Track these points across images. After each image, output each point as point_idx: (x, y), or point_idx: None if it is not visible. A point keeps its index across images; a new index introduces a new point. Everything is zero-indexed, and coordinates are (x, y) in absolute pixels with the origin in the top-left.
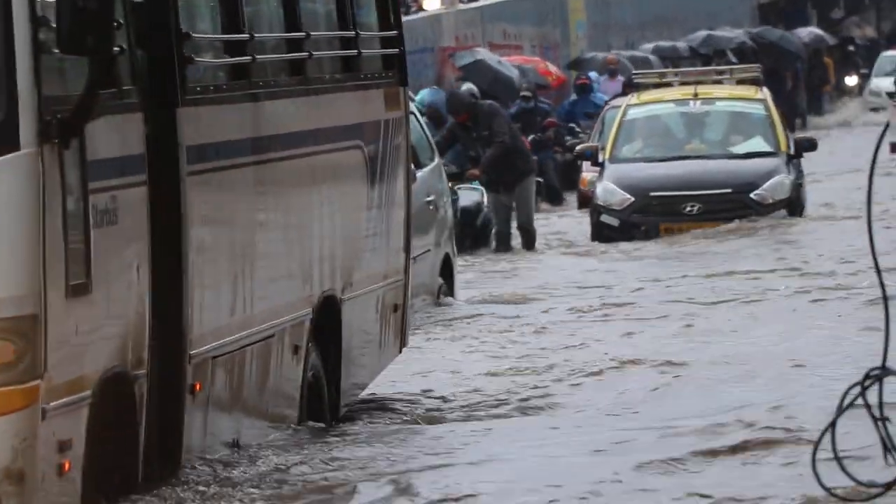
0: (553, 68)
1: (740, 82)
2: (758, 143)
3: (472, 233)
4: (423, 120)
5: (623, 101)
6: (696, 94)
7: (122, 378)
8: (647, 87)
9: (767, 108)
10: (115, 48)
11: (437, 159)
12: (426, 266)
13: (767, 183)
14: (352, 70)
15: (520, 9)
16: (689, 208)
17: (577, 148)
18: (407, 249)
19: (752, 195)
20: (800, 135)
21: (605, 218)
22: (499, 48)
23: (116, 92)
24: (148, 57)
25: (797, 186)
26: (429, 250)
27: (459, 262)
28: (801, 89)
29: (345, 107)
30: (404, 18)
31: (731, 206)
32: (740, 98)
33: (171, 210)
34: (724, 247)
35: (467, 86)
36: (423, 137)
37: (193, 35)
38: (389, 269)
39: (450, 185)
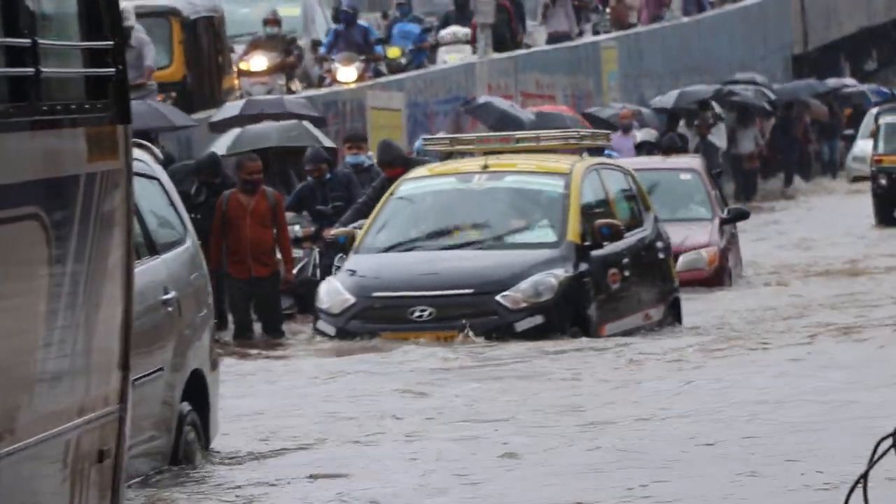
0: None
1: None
2: (540, 230)
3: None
4: (166, 179)
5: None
6: (485, 166)
7: None
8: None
9: (568, 186)
10: None
11: (188, 241)
12: (156, 391)
13: (524, 283)
14: (24, 97)
15: (553, 58)
16: (418, 313)
17: (331, 233)
18: (124, 366)
19: (498, 297)
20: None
21: (321, 325)
22: (531, 97)
23: None
24: None
25: (576, 288)
26: (160, 369)
27: None
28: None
29: (9, 153)
30: (370, 81)
31: (470, 310)
32: (542, 172)
33: None
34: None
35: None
36: (170, 207)
37: None
38: (90, 398)
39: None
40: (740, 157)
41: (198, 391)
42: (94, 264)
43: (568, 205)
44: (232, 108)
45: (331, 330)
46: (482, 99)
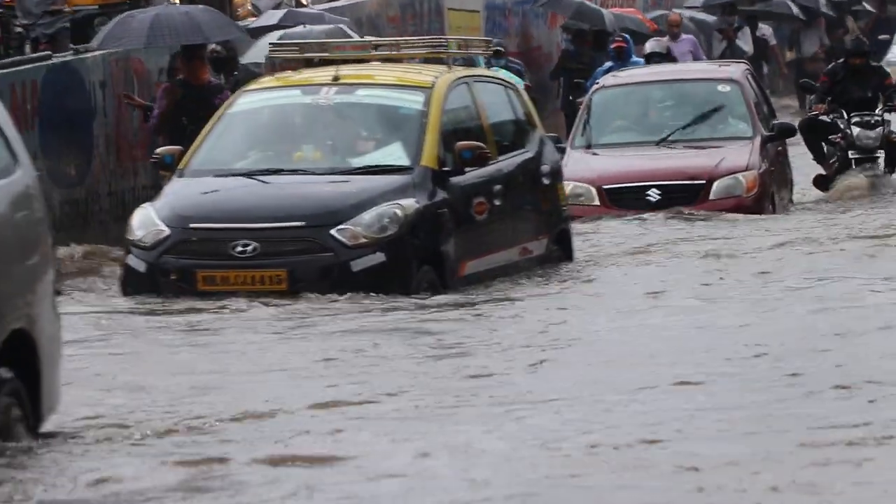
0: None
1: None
2: (391, 153)
3: None
4: None
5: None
6: (336, 78)
7: None
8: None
9: (428, 102)
10: None
11: (18, 173)
12: None
13: (365, 214)
14: None
15: None
16: (240, 249)
17: (157, 151)
18: None
19: (333, 231)
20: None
21: (131, 260)
22: None
23: None
24: None
25: (429, 221)
26: None
27: None
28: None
29: None
30: None
31: (301, 246)
32: (400, 85)
33: None
34: None
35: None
36: None
37: None
38: None
39: None
40: (803, 61)
41: (25, 356)
42: None
43: (425, 124)
44: (272, 16)
45: (141, 266)
46: None
